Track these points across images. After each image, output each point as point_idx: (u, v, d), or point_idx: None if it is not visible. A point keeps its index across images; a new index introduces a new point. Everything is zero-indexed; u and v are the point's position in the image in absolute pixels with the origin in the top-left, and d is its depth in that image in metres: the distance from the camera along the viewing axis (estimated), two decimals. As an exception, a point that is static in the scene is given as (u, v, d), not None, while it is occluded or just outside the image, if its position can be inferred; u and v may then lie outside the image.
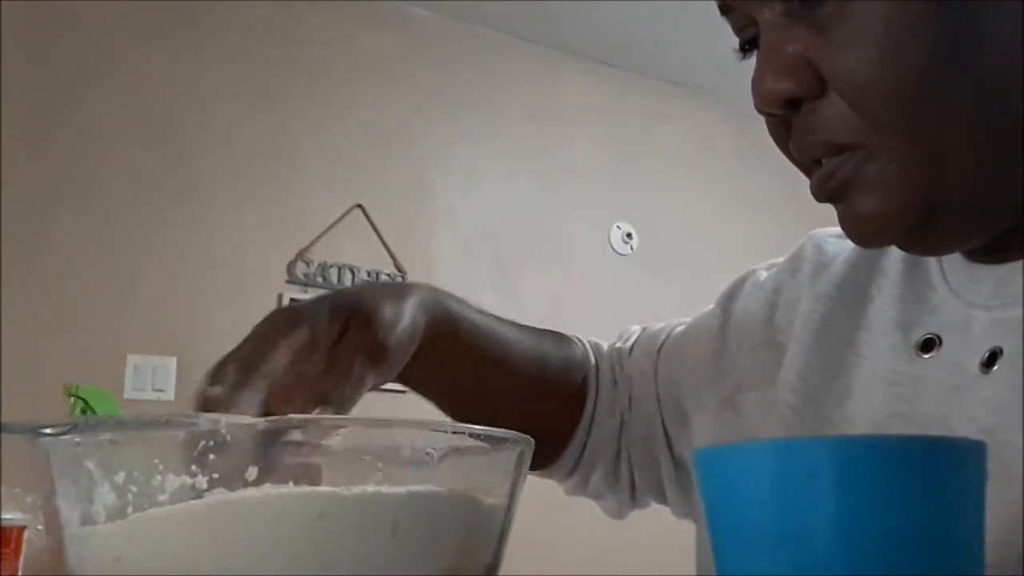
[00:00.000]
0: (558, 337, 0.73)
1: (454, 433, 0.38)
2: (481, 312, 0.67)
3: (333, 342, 0.52)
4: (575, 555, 2.84)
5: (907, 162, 0.46)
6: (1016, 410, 0.46)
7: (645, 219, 3.35)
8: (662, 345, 0.71)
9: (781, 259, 0.69)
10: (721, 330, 0.68)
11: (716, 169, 3.51)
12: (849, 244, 0.63)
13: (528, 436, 0.39)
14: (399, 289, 0.59)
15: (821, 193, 0.50)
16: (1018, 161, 0.47)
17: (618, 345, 0.74)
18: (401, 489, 0.34)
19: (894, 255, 0.59)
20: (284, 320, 0.53)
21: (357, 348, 0.53)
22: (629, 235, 3.32)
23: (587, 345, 0.74)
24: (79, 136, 2.52)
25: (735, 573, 0.30)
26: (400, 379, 0.61)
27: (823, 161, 0.49)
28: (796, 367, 0.59)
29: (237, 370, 0.49)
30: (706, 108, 3.52)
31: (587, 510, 0.77)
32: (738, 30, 0.53)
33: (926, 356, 0.53)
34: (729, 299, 0.69)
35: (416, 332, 0.58)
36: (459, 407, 0.68)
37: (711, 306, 0.72)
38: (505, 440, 0.38)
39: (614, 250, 3.29)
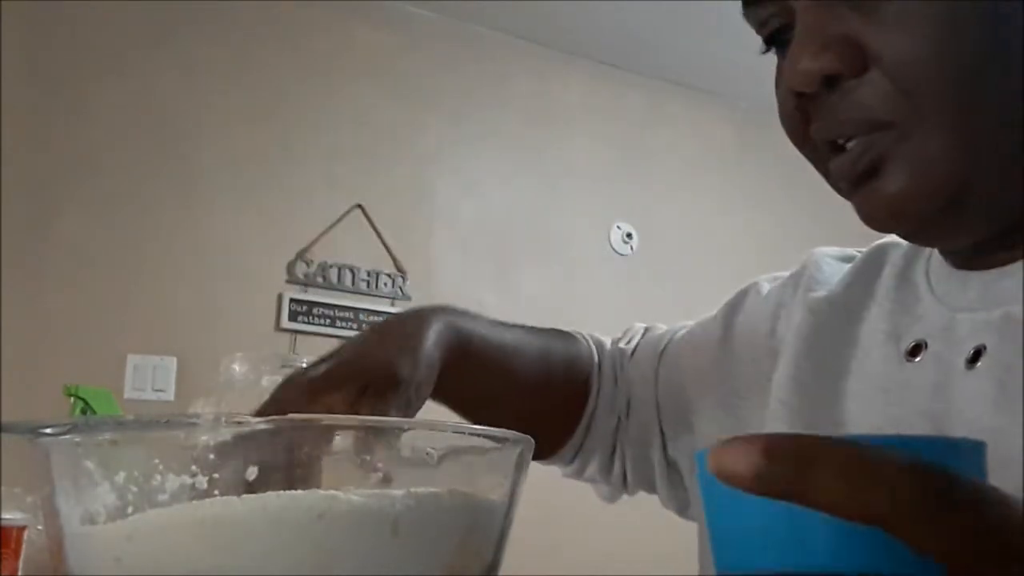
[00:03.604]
0: (563, 336, 0.74)
1: (454, 433, 0.38)
2: (490, 323, 0.68)
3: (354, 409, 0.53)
4: (575, 555, 2.84)
5: (944, 144, 0.47)
6: (1001, 402, 0.48)
7: (645, 219, 3.35)
8: (664, 351, 0.73)
9: (785, 273, 0.71)
10: (723, 341, 0.69)
11: (716, 169, 3.50)
12: (845, 266, 0.65)
13: (528, 436, 0.39)
14: (410, 329, 0.59)
15: (853, 170, 0.49)
16: None
17: (622, 345, 0.76)
18: (401, 489, 0.34)
19: (885, 277, 0.61)
20: (298, 394, 0.54)
21: (382, 410, 0.54)
22: (629, 235, 3.32)
23: (591, 342, 0.75)
24: (79, 136, 2.52)
25: (735, 572, 0.30)
26: None
27: (847, 145, 0.49)
28: (787, 369, 0.61)
29: None
30: (706, 108, 3.52)
31: (587, 511, 0.78)
32: (761, 24, 0.53)
33: (915, 360, 0.54)
34: (732, 310, 0.71)
35: (434, 369, 0.59)
36: (471, 412, 0.70)
37: (713, 313, 0.73)
38: (505, 440, 0.38)
39: (614, 250, 3.29)
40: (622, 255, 3.30)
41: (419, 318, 0.61)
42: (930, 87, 0.46)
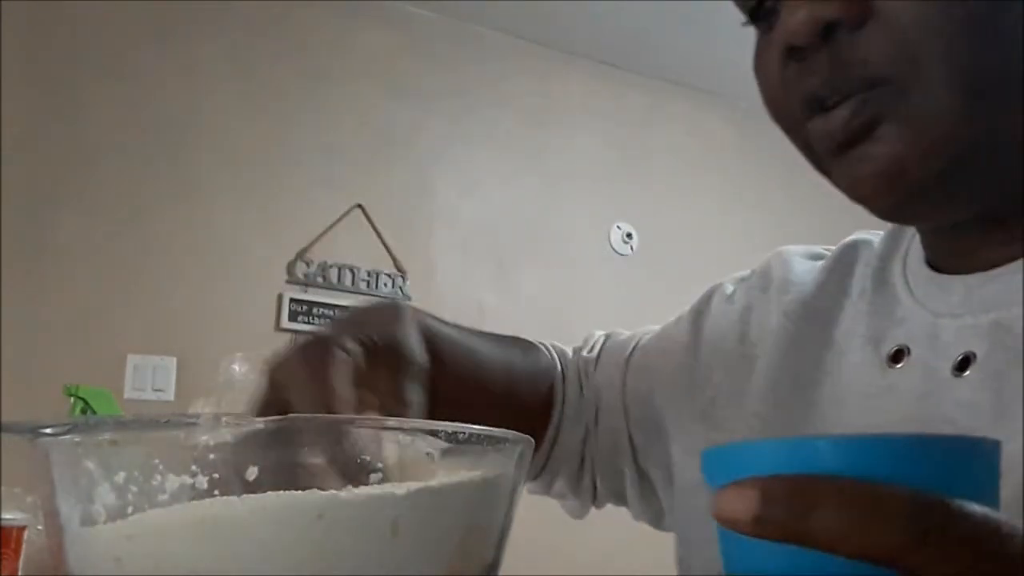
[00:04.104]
0: (525, 345, 0.72)
1: (454, 433, 0.37)
2: (454, 326, 0.65)
3: (370, 368, 0.51)
4: (575, 555, 2.84)
5: (944, 104, 0.44)
6: (999, 410, 0.46)
7: (645, 219, 3.35)
8: (630, 357, 0.71)
9: (746, 272, 0.69)
10: (691, 346, 0.67)
11: (716, 169, 3.51)
12: (816, 264, 0.64)
13: (527, 436, 0.39)
14: (393, 313, 0.57)
15: (845, 131, 0.47)
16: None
17: (584, 353, 0.73)
18: (401, 489, 0.34)
19: (858, 276, 0.59)
20: (318, 351, 0.50)
21: (396, 373, 0.53)
22: (629, 235, 3.32)
23: (553, 352, 0.73)
24: (79, 136, 2.52)
25: (744, 572, 0.30)
26: None
27: (833, 105, 0.47)
28: (765, 380, 0.59)
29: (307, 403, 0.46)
30: (706, 108, 3.52)
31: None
32: None
33: (897, 366, 0.52)
34: (698, 315, 0.69)
35: (425, 357, 0.56)
36: (435, 416, 0.67)
37: (677, 317, 0.72)
38: (505, 440, 0.38)
39: (614, 250, 3.29)
40: (622, 255, 3.30)
41: (394, 306, 0.58)
42: (932, 43, 0.44)
